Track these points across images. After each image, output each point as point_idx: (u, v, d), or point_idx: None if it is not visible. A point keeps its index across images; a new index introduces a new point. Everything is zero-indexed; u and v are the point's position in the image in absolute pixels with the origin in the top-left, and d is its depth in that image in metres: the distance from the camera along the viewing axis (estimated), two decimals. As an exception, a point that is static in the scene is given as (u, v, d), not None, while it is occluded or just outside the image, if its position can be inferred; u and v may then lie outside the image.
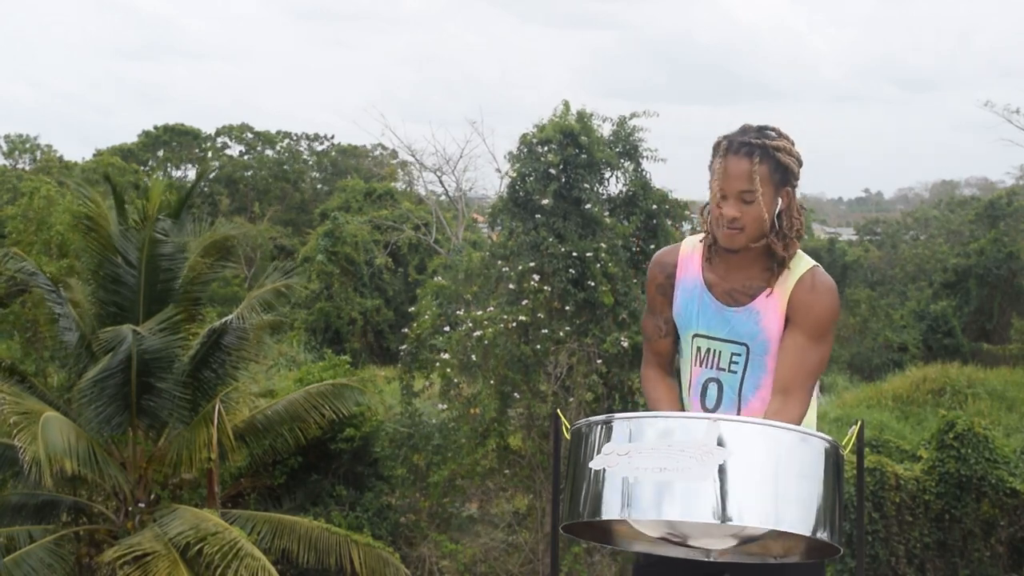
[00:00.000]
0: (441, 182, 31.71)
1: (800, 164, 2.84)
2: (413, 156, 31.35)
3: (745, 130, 2.81)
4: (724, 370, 2.90)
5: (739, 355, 2.88)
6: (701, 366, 2.93)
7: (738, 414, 2.87)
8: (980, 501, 13.95)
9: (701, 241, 2.96)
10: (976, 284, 30.38)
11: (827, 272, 2.93)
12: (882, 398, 22.21)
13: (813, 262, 2.87)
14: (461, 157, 29.94)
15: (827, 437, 2.52)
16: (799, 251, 2.88)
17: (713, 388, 2.92)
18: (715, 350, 2.91)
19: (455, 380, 13.55)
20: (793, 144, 2.83)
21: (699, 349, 2.93)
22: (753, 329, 2.85)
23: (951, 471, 13.97)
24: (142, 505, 11.87)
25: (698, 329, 2.92)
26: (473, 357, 13.10)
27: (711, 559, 2.65)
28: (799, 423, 2.78)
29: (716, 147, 2.82)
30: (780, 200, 2.80)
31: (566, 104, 13.86)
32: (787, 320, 2.83)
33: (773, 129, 2.83)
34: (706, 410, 2.92)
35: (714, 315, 2.89)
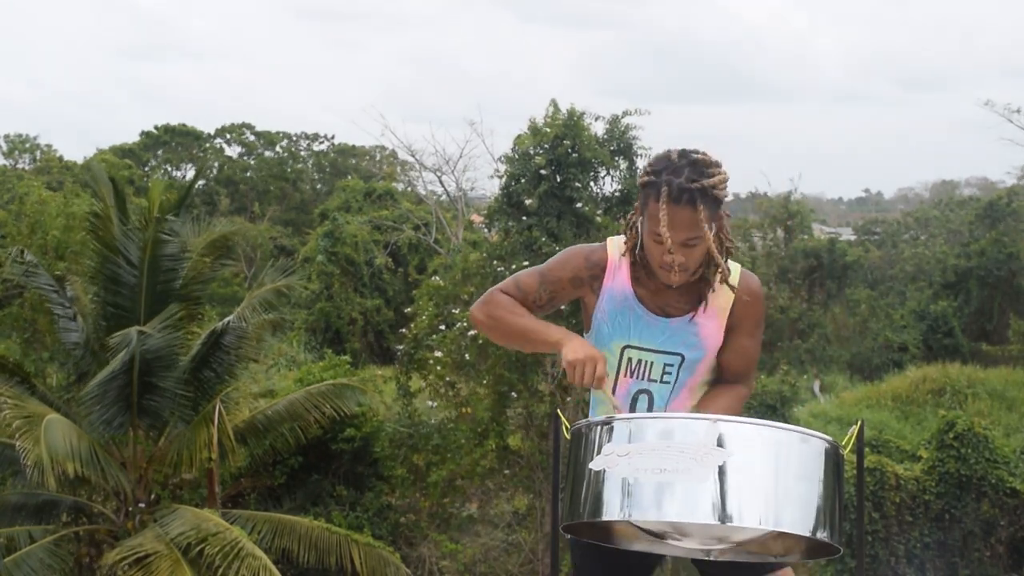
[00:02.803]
0: (441, 182, 31.74)
1: (726, 183, 2.76)
2: (413, 156, 31.37)
3: (677, 169, 2.67)
4: (656, 381, 2.90)
5: (672, 365, 2.89)
6: (631, 376, 2.93)
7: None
8: (980, 501, 13.96)
9: (624, 255, 2.90)
10: (977, 284, 30.36)
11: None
12: (882, 398, 22.22)
13: (738, 266, 2.88)
14: (461, 157, 29.97)
15: (827, 437, 2.52)
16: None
17: (644, 399, 2.92)
18: (647, 361, 2.90)
19: (447, 378, 13.57)
20: (719, 165, 2.72)
21: (629, 360, 2.92)
22: (690, 340, 2.86)
23: (951, 471, 13.98)
24: (142, 505, 11.88)
25: (631, 340, 2.90)
26: (467, 356, 13.11)
27: (712, 558, 2.66)
28: (744, 399, 2.94)
29: (651, 188, 2.68)
30: (714, 226, 2.73)
31: (554, 104, 13.90)
32: (728, 326, 2.88)
33: (700, 157, 2.71)
34: None
35: (647, 326, 2.88)
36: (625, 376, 2.93)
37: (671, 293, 2.86)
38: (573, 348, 2.73)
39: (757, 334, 2.94)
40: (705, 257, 2.77)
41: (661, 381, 2.90)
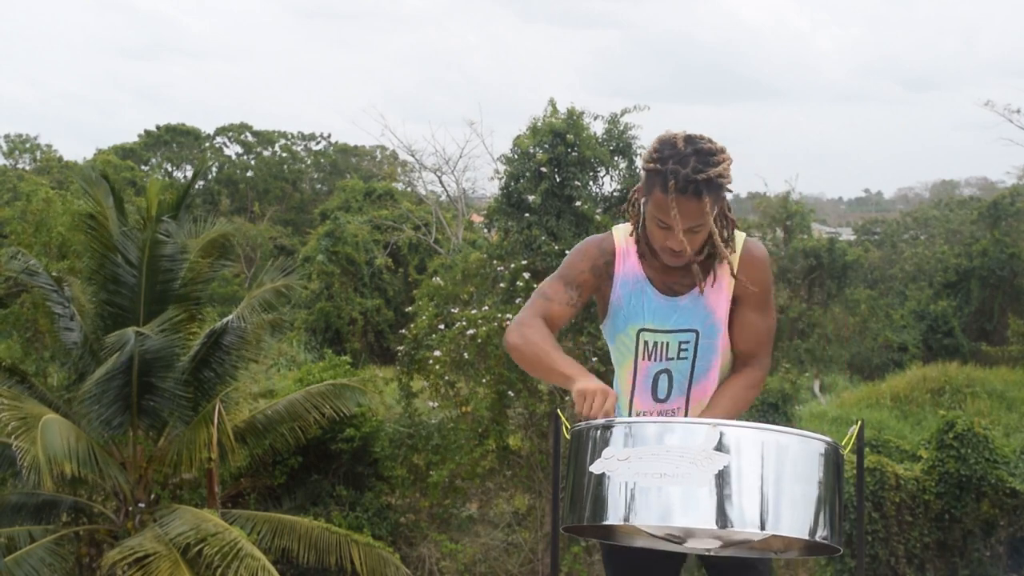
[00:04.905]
0: (441, 182, 31.79)
1: (730, 168, 2.76)
2: (413, 156, 31.41)
3: (683, 158, 2.66)
4: (673, 359, 2.95)
5: (688, 342, 2.93)
6: (649, 360, 2.97)
7: (688, 396, 2.96)
8: (980, 501, 13.94)
9: (631, 236, 2.96)
10: (978, 285, 30.35)
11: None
12: (881, 398, 22.20)
13: (742, 235, 2.92)
14: (461, 157, 30.07)
15: (827, 438, 2.53)
16: None
17: (664, 379, 2.97)
18: (662, 342, 2.95)
19: (447, 377, 13.56)
20: (724, 151, 2.72)
21: (646, 343, 2.96)
22: (701, 313, 2.91)
23: (951, 471, 13.97)
24: (142, 505, 11.87)
25: (645, 323, 2.95)
26: (466, 355, 13.11)
27: (712, 554, 2.68)
28: (764, 378, 2.96)
29: (657, 176, 2.69)
30: (716, 208, 2.75)
31: (553, 103, 13.91)
32: (734, 299, 2.92)
33: (706, 145, 2.70)
34: (658, 401, 2.99)
35: (660, 307, 2.93)
36: (644, 359, 2.98)
37: (675, 272, 2.90)
38: (585, 381, 2.68)
39: (765, 307, 2.94)
40: (708, 238, 2.80)
41: (679, 358, 2.95)
